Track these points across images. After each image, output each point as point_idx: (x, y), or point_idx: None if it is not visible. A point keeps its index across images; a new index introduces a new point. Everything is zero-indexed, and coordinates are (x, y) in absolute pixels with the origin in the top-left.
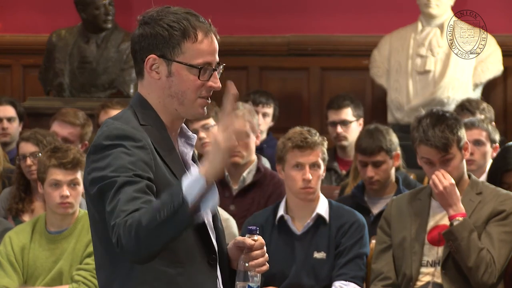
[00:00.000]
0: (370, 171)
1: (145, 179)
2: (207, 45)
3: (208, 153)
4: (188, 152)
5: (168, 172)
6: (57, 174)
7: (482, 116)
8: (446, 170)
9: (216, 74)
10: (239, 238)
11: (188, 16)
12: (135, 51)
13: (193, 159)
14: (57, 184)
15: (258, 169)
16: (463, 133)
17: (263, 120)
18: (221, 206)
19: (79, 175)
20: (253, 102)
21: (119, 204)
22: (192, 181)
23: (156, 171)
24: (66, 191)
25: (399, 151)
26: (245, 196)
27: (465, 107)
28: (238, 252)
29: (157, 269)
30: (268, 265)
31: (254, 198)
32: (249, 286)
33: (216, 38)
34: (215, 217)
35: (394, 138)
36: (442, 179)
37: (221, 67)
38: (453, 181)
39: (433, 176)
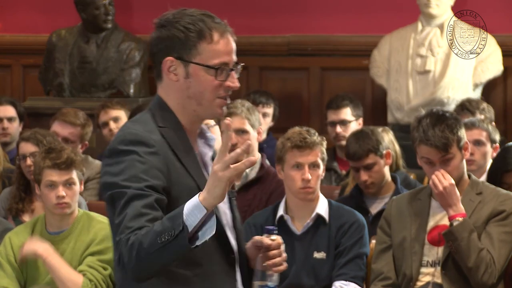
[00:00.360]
0: (363, 175)
1: (156, 192)
2: (223, 46)
3: (208, 181)
4: (208, 153)
5: (185, 174)
6: (52, 175)
7: (482, 116)
8: (446, 170)
9: (234, 74)
10: (257, 237)
11: (203, 18)
12: (153, 54)
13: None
14: (52, 185)
15: (262, 166)
16: (463, 133)
17: (263, 120)
18: None
19: (74, 175)
20: (253, 102)
21: (125, 219)
22: (193, 207)
23: (171, 175)
24: (61, 191)
25: (390, 149)
26: (247, 191)
27: (465, 107)
28: (256, 252)
29: (174, 270)
30: (286, 264)
31: (256, 194)
32: (267, 285)
33: (233, 38)
34: (235, 217)
35: (381, 138)
36: (442, 179)
37: (240, 66)
38: (453, 181)
39: (433, 176)
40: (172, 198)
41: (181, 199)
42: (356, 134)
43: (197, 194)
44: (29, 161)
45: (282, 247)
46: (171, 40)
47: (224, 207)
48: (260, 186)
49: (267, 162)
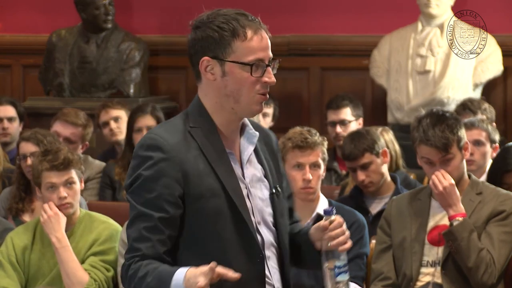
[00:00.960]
0: (360, 175)
1: (163, 211)
2: (257, 42)
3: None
4: (246, 151)
5: (210, 174)
6: (51, 177)
7: (484, 117)
8: (446, 170)
9: (270, 70)
10: (319, 223)
11: (237, 16)
12: (190, 56)
13: (257, 156)
14: (53, 187)
15: None
16: (463, 133)
17: (263, 120)
18: None
19: (73, 174)
20: None
21: (134, 235)
22: (176, 285)
23: (189, 177)
24: (63, 192)
25: (389, 148)
26: None
27: (467, 106)
28: (320, 234)
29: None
30: (351, 241)
31: None
32: (335, 266)
33: (268, 35)
34: (275, 212)
35: (377, 137)
36: (442, 179)
37: (276, 62)
38: (452, 182)
39: (433, 177)
40: (192, 198)
41: (204, 197)
42: (351, 135)
43: (185, 271)
44: (29, 161)
45: (344, 225)
46: (206, 40)
47: (261, 205)
48: None
49: None
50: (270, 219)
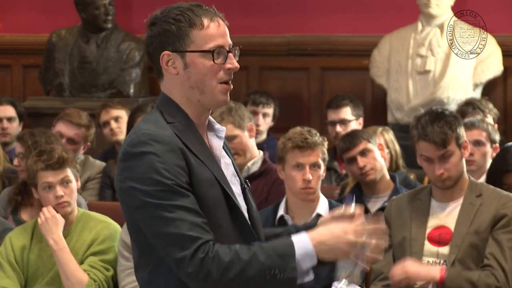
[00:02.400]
0: (361, 161)
1: (185, 189)
2: (214, 29)
3: (326, 234)
4: (218, 145)
5: (201, 166)
6: (47, 177)
7: (491, 118)
8: (445, 168)
9: (232, 56)
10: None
11: (191, 7)
12: (149, 54)
13: (226, 151)
14: (49, 187)
15: (264, 160)
16: (462, 131)
17: (263, 120)
18: None
19: (69, 173)
20: (253, 102)
21: (185, 227)
22: (306, 254)
23: (190, 168)
24: (59, 191)
25: (386, 148)
26: (250, 184)
27: (476, 105)
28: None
29: None
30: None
31: (258, 186)
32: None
33: (224, 22)
34: (250, 208)
35: (372, 134)
36: (397, 273)
37: (237, 48)
38: (408, 269)
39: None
40: (196, 185)
41: (204, 187)
42: (348, 132)
43: (308, 237)
44: (16, 161)
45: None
46: (164, 34)
47: (239, 199)
48: (262, 179)
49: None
50: (246, 214)
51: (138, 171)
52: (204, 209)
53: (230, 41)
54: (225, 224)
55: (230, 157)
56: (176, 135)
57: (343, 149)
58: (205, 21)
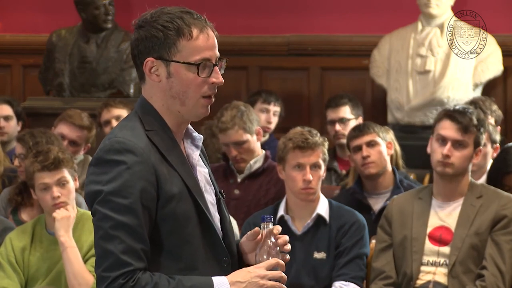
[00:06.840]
0: (365, 151)
1: (142, 216)
2: (203, 41)
3: (239, 274)
4: (194, 154)
5: (175, 176)
6: (43, 178)
7: (493, 119)
8: (452, 157)
9: (217, 69)
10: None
11: (182, 15)
12: (134, 56)
13: (202, 159)
14: (46, 188)
15: (266, 158)
16: (484, 137)
17: (273, 118)
18: (225, 191)
19: (65, 173)
20: (264, 100)
21: (121, 248)
22: None
23: (160, 180)
24: (56, 192)
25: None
26: (253, 181)
27: (479, 105)
28: (252, 244)
29: (169, 274)
30: (288, 256)
31: (262, 184)
32: None
33: (214, 33)
34: (223, 218)
35: (385, 130)
36: None
37: (224, 61)
38: None
39: None
40: (163, 202)
41: (173, 202)
42: (359, 123)
43: (227, 280)
44: (16, 161)
45: (286, 237)
46: (151, 40)
47: (213, 210)
48: (265, 177)
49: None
50: (218, 224)
51: (105, 178)
52: (172, 225)
53: (217, 54)
54: (194, 240)
55: (206, 166)
56: (152, 143)
57: (352, 136)
58: (194, 32)
